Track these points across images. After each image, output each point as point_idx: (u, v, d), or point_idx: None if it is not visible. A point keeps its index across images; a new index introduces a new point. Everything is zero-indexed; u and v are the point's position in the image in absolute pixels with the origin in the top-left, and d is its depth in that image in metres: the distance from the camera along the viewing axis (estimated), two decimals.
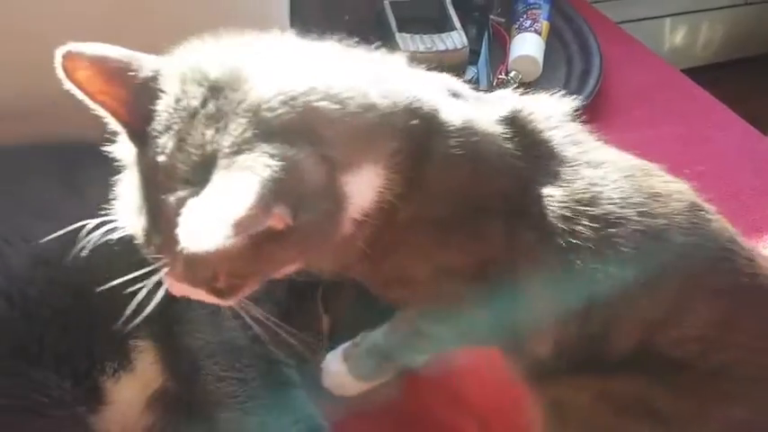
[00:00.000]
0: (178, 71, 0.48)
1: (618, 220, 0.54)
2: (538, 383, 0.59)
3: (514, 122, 0.55)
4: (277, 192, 0.41)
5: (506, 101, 0.57)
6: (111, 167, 0.66)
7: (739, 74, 2.17)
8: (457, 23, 1.08)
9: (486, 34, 1.13)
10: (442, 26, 1.07)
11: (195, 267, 0.46)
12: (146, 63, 0.49)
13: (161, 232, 0.46)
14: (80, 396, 0.59)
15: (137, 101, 0.48)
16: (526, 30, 1.12)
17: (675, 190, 0.57)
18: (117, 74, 0.48)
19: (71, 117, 0.71)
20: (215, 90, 0.46)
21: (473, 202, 0.53)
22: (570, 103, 0.59)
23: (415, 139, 0.50)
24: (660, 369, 0.55)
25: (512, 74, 1.08)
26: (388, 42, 0.99)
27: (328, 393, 0.65)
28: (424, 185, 0.51)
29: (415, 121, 0.50)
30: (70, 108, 0.71)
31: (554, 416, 0.58)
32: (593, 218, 0.53)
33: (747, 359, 0.56)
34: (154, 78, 0.48)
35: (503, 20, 1.17)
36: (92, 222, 0.50)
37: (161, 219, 0.46)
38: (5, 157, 0.67)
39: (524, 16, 1.14)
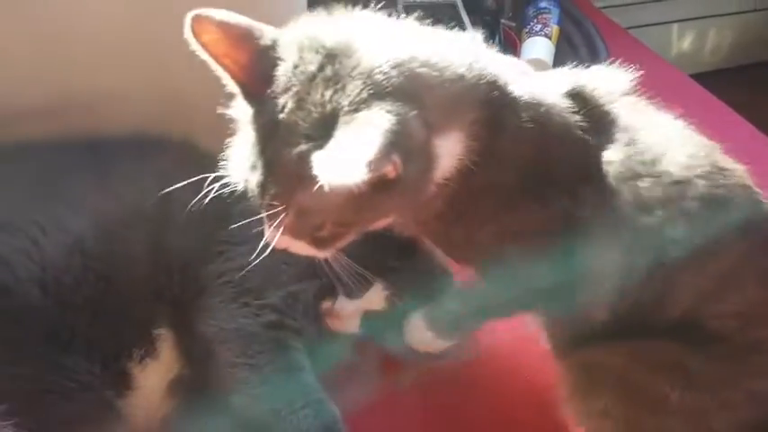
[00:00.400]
0: (296, 40, 0.53)
1: (680, 181, 0.57)
2: (571, 350, 0.62)
3: (578, 96, 0.59)
4: (394, 142, 0.46)
5: (569, 77, 0.61)
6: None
7: (748, 79, 2.19)
8: (468, 27, 1.11)
9: (498, 38, 1.15)
10: (454, 29, 1.10)
11: (307, 216, 0.51)
12: (266, 32, 0.54)
13: (278, 184, 0.51)
14: (108, 381, 0.62)
15: (256, 65, 0.53)
16: (536, 33, 1.15)
17: (736, 168, 0.61)
18: (240, 39, 0.53)
19: (101, 114, 0.76)
20: (330, 57, 0.51)
21: (540, 171, 0.57)
22: (628, 75, 0.63)
23: (492, 110, 0.55)
24: (697, 338, 0.58)
25: None
26: None
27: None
28: (497, 154, 0.55)
29: (493, 94, 0.55)
30: (101, 106, 0.75)
31: (586, 377, 0.61)
32: (656, 176, 0.57)
33: None
34: (273, 47, 0.53)
35: (513, 24, 1.20)
36: (211, 176, 0.54)
37: (279, 172, 0.51)
38: (40, 152, 0.69)
39: (535, 20, 1.17)
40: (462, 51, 0.55)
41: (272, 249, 0.55)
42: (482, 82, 0.55)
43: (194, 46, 0.53)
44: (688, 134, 0.62)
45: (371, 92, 0.49)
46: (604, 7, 1.84)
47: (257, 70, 0.53)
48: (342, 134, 0.48)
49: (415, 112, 0.49)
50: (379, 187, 0.48)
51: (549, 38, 1.15)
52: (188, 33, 0.53)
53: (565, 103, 0.58)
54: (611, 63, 0.62)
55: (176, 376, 0.66)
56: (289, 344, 0.65)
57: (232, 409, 0.63)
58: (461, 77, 0.53)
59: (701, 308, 0.58)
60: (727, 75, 2.18)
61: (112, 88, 0.76)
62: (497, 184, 0.57)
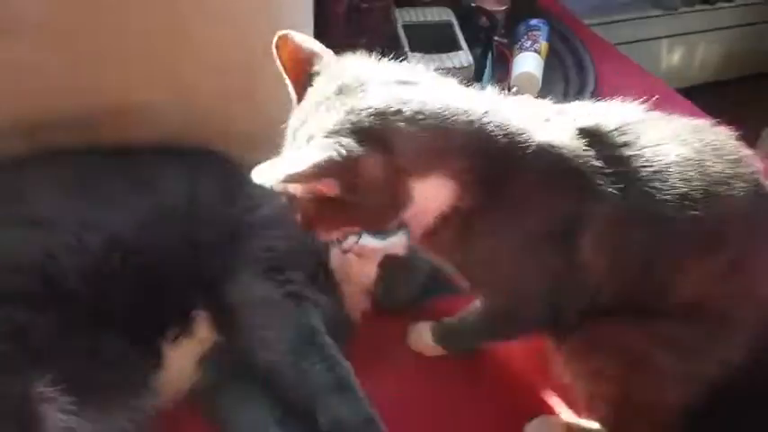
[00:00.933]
0: (328, 72, 0.65)
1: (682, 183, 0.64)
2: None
3: (593, 134, 0.66)
4: (329, 169, 0.57)
5: (585, 113, 0.69)
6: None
7: (737, 92, 2.25)
8: (463, 44, 1.19)
9: (490, 54, 1.23)
10: (450, 46, 1.18)
11: (296, 207, 0.64)
12: (322, 60, 0.67)
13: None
14: (140, 358, 0.70)
15: (304, 84, 0.66)
16: (527, 49, 1.22)
17: (729, 142, 0.68)
18: (303, 61, 0.67)
19: (128, 125, 0.84)
20: (341, 90, 0.62)
21: (543, 223, 0.65)
22: (638, 107, 0.71)
23: (490, 159, 0.63)
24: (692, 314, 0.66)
25: (513, 89, 1.18)
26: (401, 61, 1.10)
27: None
28: (498, 200, 0.64)
29: (498, 143, 0.63)
30: (128, 117, 0.84)
31: (585, 342, 0.69)
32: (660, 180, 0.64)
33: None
34: (317, 73, 0.66)
35: (505, 40, 1.28)
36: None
37: None
38: (81, 158, 0.78)
39: (525, 37, 1.24)
40: (469, 106, 0.63)
41: (295, 232, 0.68)
42: (484, 133, 0.62)
43: (276, 59, 0.67)
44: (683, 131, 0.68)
45: (343, 127, 0.59)
46: (595, 24, 1.92)
47: (304, 87, 0.66)
48: (299, 149, 0.60)
49: (373, 155, 0.58)
50: (329, 200, 0.60)
51: (539, 53, 1.22)
52: (273, 48, 0.67)
53: (578, 144, 0.65)
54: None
55: (209, 349, 0.74)
56: (307, 311, 0.74)
57: (259, 367, 0.72)
58: (450, 131, 0.61)
59: (707, 291, 0.66)
60: (716, 88, 2.25)
61: (139, 101, 0.85)
62: (498, 230, 0.65)
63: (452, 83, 0.68)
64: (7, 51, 0.78)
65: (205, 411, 0.74)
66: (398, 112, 0.60)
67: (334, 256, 0.80)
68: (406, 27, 1.21)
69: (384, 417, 0.71)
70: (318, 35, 0.96)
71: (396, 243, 0.80)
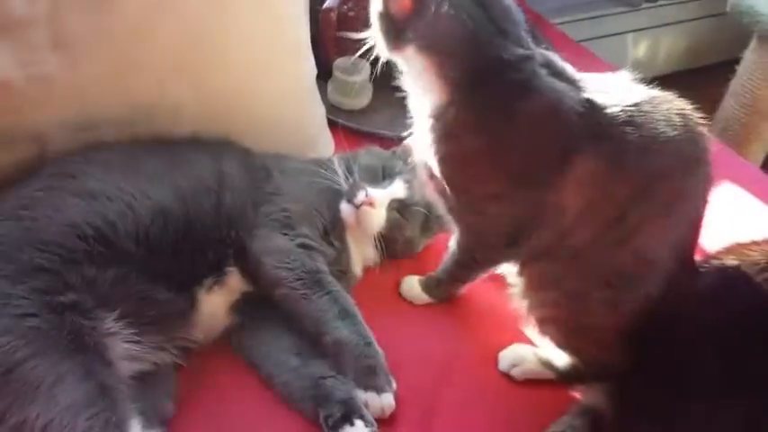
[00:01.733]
0: None
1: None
2: (530, 262, 0.88)
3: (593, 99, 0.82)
4: None
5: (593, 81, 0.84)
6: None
7: (703, 80, 2.43)
8: None
9: None
10: None
11: None
12: None
13: None
14: (182, 302, 0.87)
15: None
16: None
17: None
18: None
19: (163, 123, 1.01)
20: None
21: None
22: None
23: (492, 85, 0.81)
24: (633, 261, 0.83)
25: None
26: None
27: None
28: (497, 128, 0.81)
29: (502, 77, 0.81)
30: (161, 116, 1.01)
31: (535, 281, 0.87)
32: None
33: None
34: None
35: None
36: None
37: None
38: (125, 150, 0.95)
39: None
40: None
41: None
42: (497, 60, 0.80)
43: None
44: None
45: None
46: (562, 23, 2.10)
47: None
48: None
49: None
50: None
51: None
52: None
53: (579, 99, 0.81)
54: None
55: (235, 301, 0.92)
56: (314, 257, 0.91)
57: (276, 300, 0.89)
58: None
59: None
60: (683, 77, 2.43)
61: (170, 103, 1.02)
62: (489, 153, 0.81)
63: None
64: (61, 64, 0.95)
65: (236, 348, 0.91)
66: None
67: (346, 210, 0.97)
68: None
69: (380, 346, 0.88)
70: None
71: (397, 190, 0.98)
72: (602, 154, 0.81)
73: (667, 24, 2.40)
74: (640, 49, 2.42)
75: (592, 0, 2.28)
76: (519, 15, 0.84)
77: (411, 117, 0.90)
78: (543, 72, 0.83)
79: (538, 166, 0.82)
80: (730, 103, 1.68)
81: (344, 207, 0.97)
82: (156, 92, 1.01)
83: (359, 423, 0.80)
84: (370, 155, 1.07)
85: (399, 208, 0.99)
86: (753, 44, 1.61)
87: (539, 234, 0.84)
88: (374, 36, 0.85)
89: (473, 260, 0.93)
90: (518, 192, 0.83)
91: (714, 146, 0.86)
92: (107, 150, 0.94)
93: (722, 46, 2.35)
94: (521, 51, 0.81)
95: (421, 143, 0.87)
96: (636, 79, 0.87)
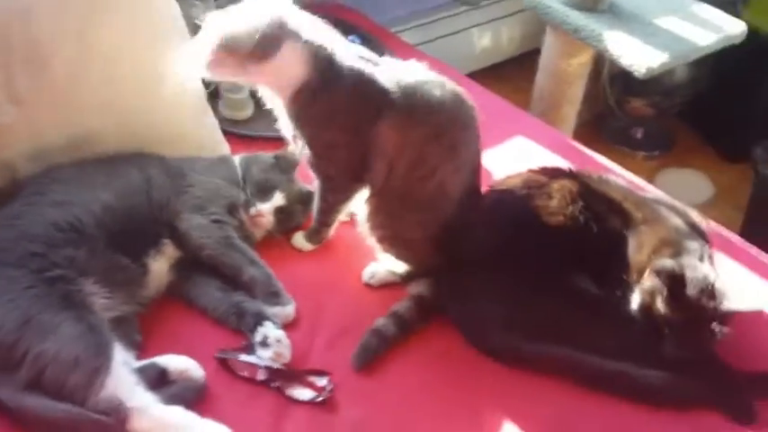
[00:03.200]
0: None
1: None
2: (367, 202, 1.30)
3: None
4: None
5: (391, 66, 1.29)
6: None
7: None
8: None
9: None
10: None
11: None
12: None
13: None
14: (136, 267, 1.25)
15: None
16: None
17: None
18: None
19: (97, 147, 1.38)
20: None
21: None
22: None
23: (327, 73, 1.22)
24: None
25: None
26: None
27: None
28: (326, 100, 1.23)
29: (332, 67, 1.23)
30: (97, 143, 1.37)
31: (373, 212, 1.30)
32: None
33: None
34: None
35: None
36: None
37: None
38: (75, 169, 1.31)
39: None
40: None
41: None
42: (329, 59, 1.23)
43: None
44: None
45: None
46: (411, 28, 2.53)
47: None
48: None
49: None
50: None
51: None
52: None
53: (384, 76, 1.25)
54: None
55: (173, 263, 1.30)
56: (224, 228, 1.31)
57: (204, 261, 1.29)
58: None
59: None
60: (522, 59, 2.91)
61: (98, 130, 1.39)
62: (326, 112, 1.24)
63: None
64: (18, 113, 1.30)
65: (178, 295, 1.29)
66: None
67: (245, 218, 1.37)
68: None
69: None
70: None
71: (277, 200, 1.38)
72: (400, 111, 1.24)
73: (505, 17, 2.87)
74: (485, 39, 2.88)
75: (440, 4, 2.73)
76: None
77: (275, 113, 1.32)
78: (361, 62, 1.26)
79: (359, 120, 1.25)
80: (540, 76, 2.17)
81: (242, 213, 1.37)
82: (87, 124, 1.37)
83: (267, 323, 1.20)
84: (258, 167, 1.43)
85: (282, 210, 1.39)
86: (548, 29, 2.10)
87: (373, 168, 1.26)
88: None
89: (328, 203, 1.34)
90: (350, 138, 1.26)
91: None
92: (63, 170, 1.31)
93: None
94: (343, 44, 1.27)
95: (287, 126, 1.30)
96: (426, 67, 1.32)
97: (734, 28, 2.01)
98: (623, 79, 2.69)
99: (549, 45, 2.10)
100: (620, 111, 2.84)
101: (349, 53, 1.27)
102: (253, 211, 1.36)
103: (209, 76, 1.25)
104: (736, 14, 2.57)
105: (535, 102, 2.20)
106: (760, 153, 2.35)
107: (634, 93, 2.74)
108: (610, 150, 2.79)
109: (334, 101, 1.25)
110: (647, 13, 2.02)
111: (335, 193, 1.33)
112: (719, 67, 2.64)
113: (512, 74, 2.81)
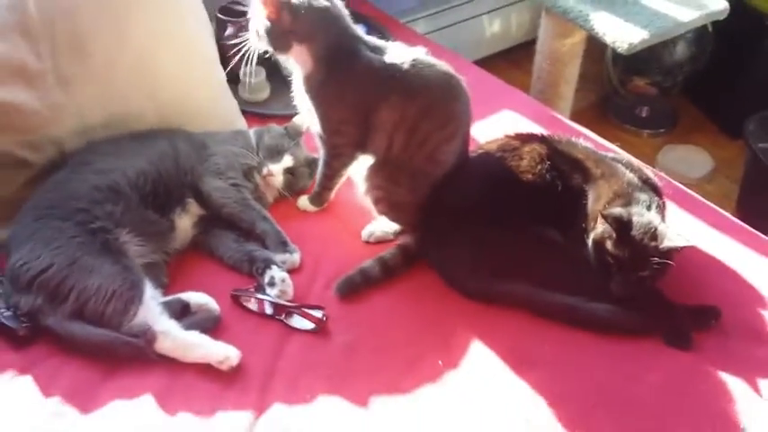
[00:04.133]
0: None
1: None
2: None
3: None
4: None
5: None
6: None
7: None
8: None
9: None
10: None
11: None
12: None
13: None
14: (165, 222, 1.48)
15: None
16: None
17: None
18: None
19: (133, 125, 1.61)
20: None
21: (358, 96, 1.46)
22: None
23: (337, 56, 1.43)
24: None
25: None
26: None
27: None
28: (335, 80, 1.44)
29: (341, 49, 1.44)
30: (134, 122, 1.61)
31: (371, 175, 1.50)
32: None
33: None
34: None
35: None
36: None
37: None
38: (113, 141, 1.54)
39: None
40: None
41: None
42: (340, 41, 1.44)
43: None
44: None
45: None
46: (425, 16, 2.71)
47: None
48: None
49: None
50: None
51: None
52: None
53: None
54: None
55: (197, 220, 1.53)
56: (241, 190, 1.53)
57: (224, 217, 1.51)
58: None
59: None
60: (531, 44, 3.05)
61: (136, 112, 1.62)
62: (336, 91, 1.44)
63: None
64: (64, 94, 1.54)
65: (200, 247, 1.52)
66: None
67: (257, 178, 1.59)
68: None
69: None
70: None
71: (287, 161, 1.60)
72: (397, 90, 1.43)
73: (513, 4, 3.02)
74: (495, 26, 3.05)
75: None
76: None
77: (293, 92, 1.52)
78: (364, 47, 1.45)
79: (364, 100, 1.45)
80: (539, 57, 2.33)
81: (256, 176, 1.59)
82: (125, 104, 1.61)
83: (274, 267, 1.42)
84: (270, 135, 1.64)
85: (290, 171, 1.61)
86: (543, 13, 2.26)
87: (375, 141, 1.47)
88: (258, 44, 1.46)
89: (332, 169, 1.54)
90: (356, 116, 1.46)
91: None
92: (103, 144, 1.54)
93: None
94: (351, 34, 1.45)
95: (302, 101, 1.50)
96: (427, 53, 1.50)
97: (716, 5, 2.14)
98: (625, 59, 2.83)
99: (545, 27, 2.26)
100: (623, 90, 2.98)
101: (358, 42, 1.46)
102: (265, 170, 1.58)
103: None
104: None
105: (534, 82, 2.37)
106: (752, 128, 2.47)
107: (636, 72, 2.87)
108: (617, 129, 2.96)
109: (342, 87, 1.45)
110: None
111: (340, 159, 1.53)
112: (718, 45, 2.77)
113: (521, 58, 2.97)
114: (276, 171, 1.58)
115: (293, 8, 1.39)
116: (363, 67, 1.44)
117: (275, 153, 1.60)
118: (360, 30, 1.52)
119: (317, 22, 1.42)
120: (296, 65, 1.47)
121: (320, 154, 1.56)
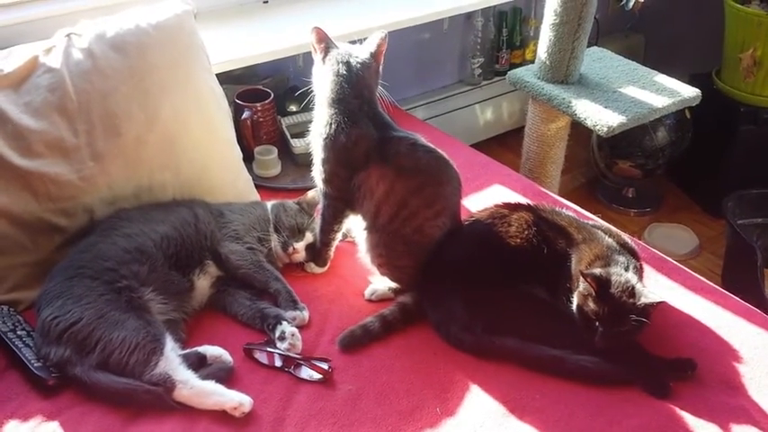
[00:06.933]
0: None
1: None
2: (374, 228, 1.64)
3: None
4: None
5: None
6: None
7: None
8: None
9: None
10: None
11: None
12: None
13: None
14: (185, 282, 1.61)
15: None
16: None
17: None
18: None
19: (157, 196, 1.77)
20: None
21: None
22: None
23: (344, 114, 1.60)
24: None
25: None
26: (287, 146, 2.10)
27: None
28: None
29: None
30: (158, 193, 1.77)
31: (371, 244, 1.64)
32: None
33: None
34: None
35: None
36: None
37: None
38: (139, 210, 1.70)
39: None
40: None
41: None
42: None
43: None
44: None
45: None
46: (422, 105, 2.93)
47: None
48: None
49: None
50: None
51: None
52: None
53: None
54: None
55: (214, 280, 1.66)
56: (256, 254, 1.68)
57: (239, 278, 1.64)
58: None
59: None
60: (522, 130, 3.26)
61: (159, 182, 1.78)
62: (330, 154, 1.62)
63: None
64: (97, 168, 1.71)
65: (218, 307, 1.65)
66: None
67: (282, 254, 1.75)
68: (288, 126, 2.20)
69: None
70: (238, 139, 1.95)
71: (308, 238, 1.76)
72: (389, 164, 1.59)
73: (503, 94, 3.25)
74: (488, 114, 3.27)
75: (446, 84, 3.14)
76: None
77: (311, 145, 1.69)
78: (366, 118, 1.62)
79: (352, 161, 1.60)
80: (527, 140, 2.52)
81: (281, 253, 1.75)
82: (151, 177, 1.77)
83: (284, 322, 1.54)
84: (286, 214, 1.79)
85: (310, 245, 1.77)
86: (530, 100, 2.47)
87: (363, 205, 1.61)
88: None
89: (325, 221, 1.69)
90: (343, 172, 1.61)
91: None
92: (130, 211, 1.70)
93: None
94: (355, 105, 1.61)
95: (315, 151, 1.67)
96: (425, 139, 1.67)
97: (688, 93, 2.34)
98: (610, 144, 3.04)
99: (532, 113, 2.46)
100: (610, 173, 3.17)
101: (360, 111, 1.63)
102: (290, 249, 1.74)
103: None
104: (712, 85, 2.94)
105: (524, 162, 2.55)
106: (730, 205, 2.64)
107: (620, 156, 3.07)
108: (605, 208, 3.13)
109: (339, 146, 1.61)
110: (612, 82, 2.39)
111: (330, 210, 1.69)
112: (697, 130, 2.98)
113: (513, 142, 3.17)
114: (300, 248, 1.74)
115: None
116: (358, 134, 1.59)
117: (296, 231, 1.76)
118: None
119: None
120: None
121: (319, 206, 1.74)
